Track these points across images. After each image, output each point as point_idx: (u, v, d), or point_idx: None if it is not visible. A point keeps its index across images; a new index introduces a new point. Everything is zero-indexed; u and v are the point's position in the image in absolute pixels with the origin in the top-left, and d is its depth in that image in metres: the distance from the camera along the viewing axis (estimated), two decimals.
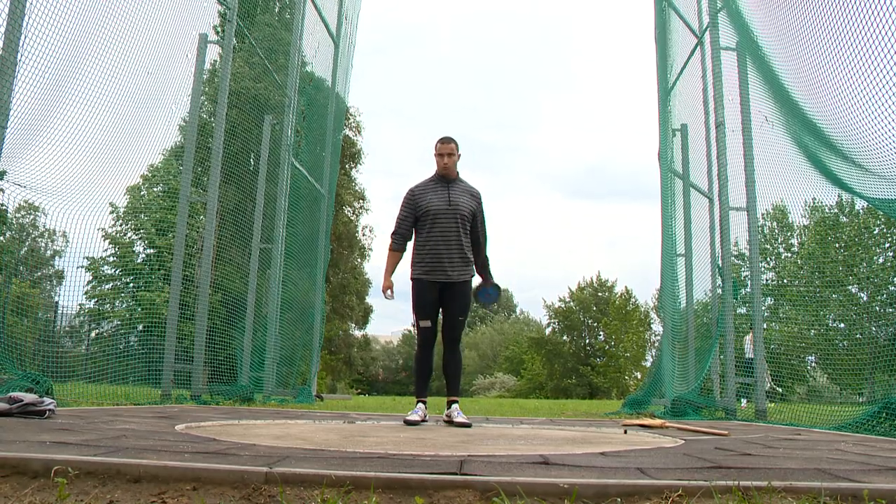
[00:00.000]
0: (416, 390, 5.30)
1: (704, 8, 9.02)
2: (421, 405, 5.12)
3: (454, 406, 5.11)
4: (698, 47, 9.38)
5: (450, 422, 5.02)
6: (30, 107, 5.52)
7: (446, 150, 5.22)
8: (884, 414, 4.89)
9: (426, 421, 5.05)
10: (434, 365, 5.32)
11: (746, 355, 10.62)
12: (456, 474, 1.97)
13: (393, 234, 5.30)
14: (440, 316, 5.22)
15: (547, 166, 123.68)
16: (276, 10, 13.48)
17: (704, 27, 8.94)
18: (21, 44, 5.16)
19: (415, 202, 5.24)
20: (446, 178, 5.26)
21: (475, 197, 5.34)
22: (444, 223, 5.13)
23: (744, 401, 10.42)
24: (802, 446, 3.35)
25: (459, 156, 5.31)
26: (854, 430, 4.94)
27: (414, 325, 5.33)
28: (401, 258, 5.35)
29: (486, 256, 5.45)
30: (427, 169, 7.43)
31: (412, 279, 5.21)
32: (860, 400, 10.00)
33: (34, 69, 5.40)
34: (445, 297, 5.17)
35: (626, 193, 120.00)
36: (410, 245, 5.34)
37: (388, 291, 5.31)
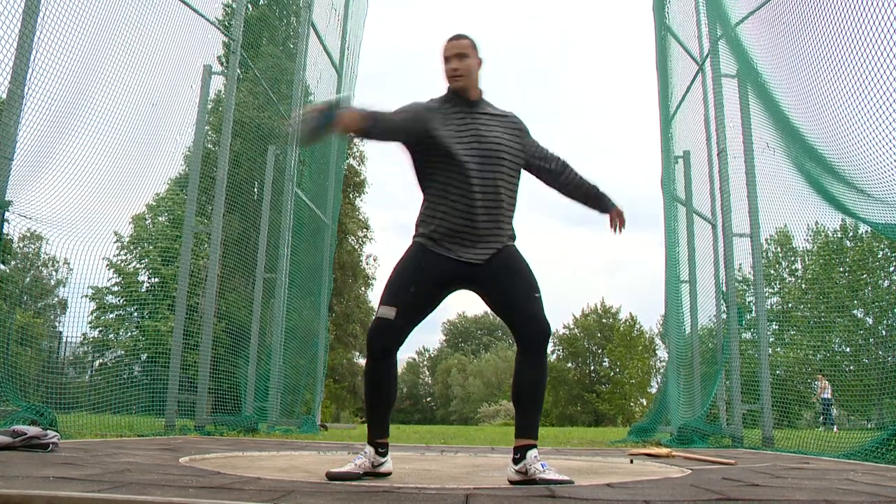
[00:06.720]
0: (368, 427, 3.10)
1: (705, 36, 9.10)
2: (369, 450, 3.04)
3: (531, 454, 2.88)
4: (699, 74, 9.44)
5: (529, 480, 2.80)
6: (36, 138, 5.57)
7: (456, 49, 3.16)
8: (893, 441, 4.84)
9: (383, 472, 3.08)
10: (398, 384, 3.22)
11: (823, 395, 10.79)
12: None
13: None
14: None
15: (547, 194, 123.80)
16: (281, 39, 13.62)
17: (705, 55, 9.01)
18: (28, 77, 5.23)
19: (428, 118, 3.13)
20: (465, 98, 3.21)
21: (516, 125, 3.28)
22: (483, 174, 3.05)
23: (835, 427, 10.59)
24: (811, 476, 3.31)
25: (481, 63, 3.22)
26: (863, 458, 4.89)
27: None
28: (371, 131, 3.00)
29: (579, 178, 3.45)
30: None
31: (414, 240, 3.16)
32: (868, 426, 9.93)
33: (41, 101, 5.46)
34: (492, 277, 3.07)
35: (628, 220, 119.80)
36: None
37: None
